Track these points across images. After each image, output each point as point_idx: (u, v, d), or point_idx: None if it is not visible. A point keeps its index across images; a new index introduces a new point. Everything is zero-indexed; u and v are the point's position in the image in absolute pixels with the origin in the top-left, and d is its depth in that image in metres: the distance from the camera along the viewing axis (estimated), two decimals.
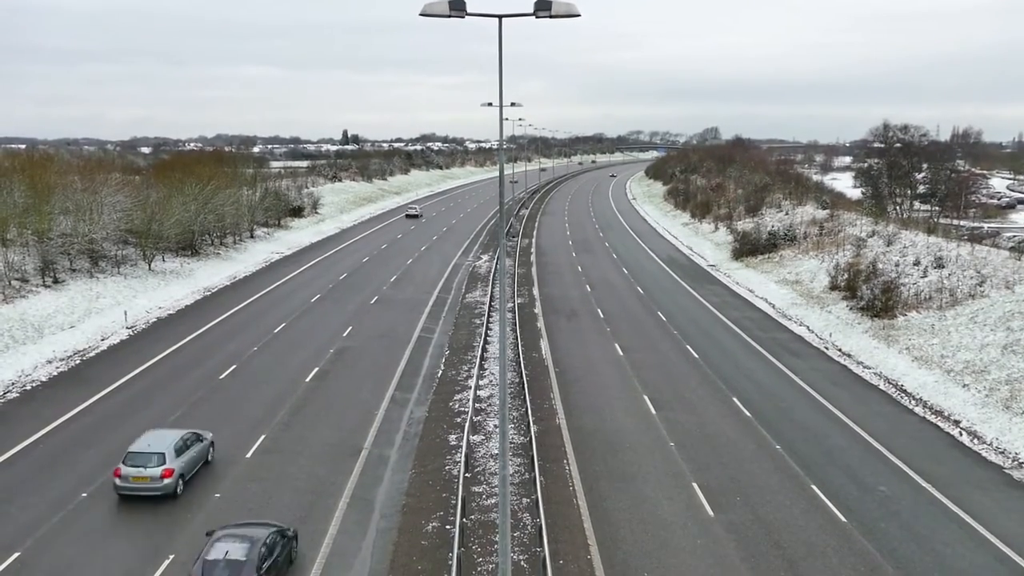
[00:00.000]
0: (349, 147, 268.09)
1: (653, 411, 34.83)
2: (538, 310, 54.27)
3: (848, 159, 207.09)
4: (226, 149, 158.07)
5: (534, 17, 18.18)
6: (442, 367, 40.85)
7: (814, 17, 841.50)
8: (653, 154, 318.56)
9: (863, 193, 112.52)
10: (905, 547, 23.89)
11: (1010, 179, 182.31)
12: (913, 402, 36.72)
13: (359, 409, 34.39)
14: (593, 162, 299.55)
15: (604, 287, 63.00)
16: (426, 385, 38.11)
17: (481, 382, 37.66)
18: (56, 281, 50.09)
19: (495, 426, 32.25)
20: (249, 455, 29.26)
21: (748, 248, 74.16)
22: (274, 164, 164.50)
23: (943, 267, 50.80)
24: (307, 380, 38.02)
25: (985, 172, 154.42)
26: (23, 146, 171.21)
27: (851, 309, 50.38)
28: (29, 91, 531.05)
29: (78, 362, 40.16)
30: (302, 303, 54.40)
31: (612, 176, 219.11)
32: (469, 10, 17.91)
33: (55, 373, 38.32)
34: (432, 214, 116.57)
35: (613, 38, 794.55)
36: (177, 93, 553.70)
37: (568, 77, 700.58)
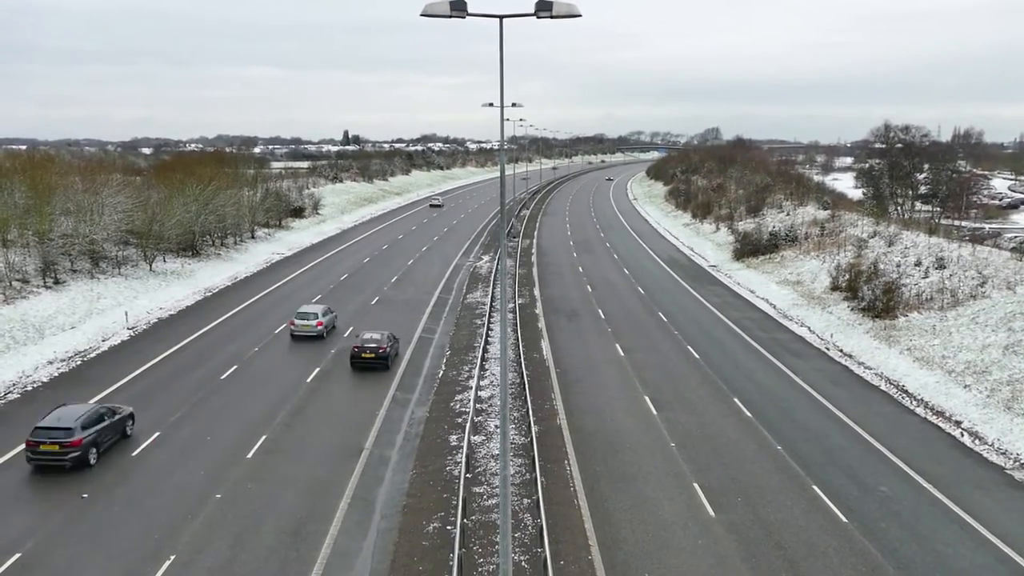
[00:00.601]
0: (350, 147, 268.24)
1: (654, 411, 34.82)
2: (539, 310, 54.27)
3: (849, 159, 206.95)
4: (227, 150, 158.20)
5: (535, 17, 18.18)
6: (443, 367, 40.87)
7: (814, 17, 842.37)
8: (654, 154, 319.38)
9: (864, 194, 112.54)
10: (906, 547, 23.88)
11: (1011, 179, 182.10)
12: (914, 403, 36.70)
13: (360, 410, 34.39)
14: (603, 162, 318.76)
15: (605, 287, 62.99)
16: (427, 385, 38.12)
17: (482, 383, 37.65)
18: (57, 282, 50.12)
19: (496, 426, 32.25)
20: (250, 455, 29.26)
21: (749, 248, 74.14)
22: (275, 165, 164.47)
23: (944, 268, 50.77)
24: (308, 381, 38.03)
25: (986, 172, 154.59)
26: (24, 147, 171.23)
27: (852, 310, 50.35)
28: (30, 92, 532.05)
29: (79, 363, 40.17)
30: (303, 304, 54.34)
31: (609, 180, 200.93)
32: (470, 10, 17.91)
33: (56, 374, 38.33)
34: (433, 214, 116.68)
35: (614, 38, 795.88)
36: (178, 93, 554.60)
37: (569, 77, 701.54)
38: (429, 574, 21.96)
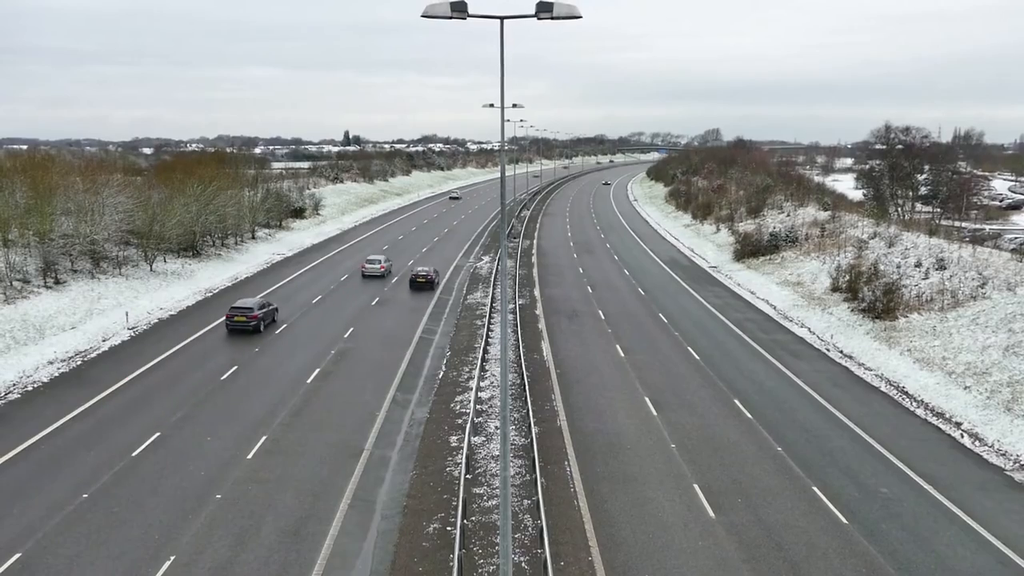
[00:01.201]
0: (351, 148, 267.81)
1: (654, 412, 34.82)
2: (539, 311, 54.27)
3: (850, 160, 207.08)
4: (228, 150, 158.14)
5: (536, 19, 18.18)
6: (443, 368, 40.87)
7: (815, 18, 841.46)
8: (654, 155, 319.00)
9: (865, 195, 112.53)
10: (906, 549, 23.88)
11: (1012, 180, 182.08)
12: (914, 404, 36.70)
13: (360, 410, 34.39)
14: (611, 161, 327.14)
15: (605, 288, 63.00)
16: (427, 386, 38.12)
17: (482, 383, 37.65)
18: (57, 282, 50.13)
19: (496, 427, 32.26)
20: (250, 456, 29.26)
21: (749, 249, 74.16)
22: (276, 165, 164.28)
23: (945, 269, 50.79)
24: (308, 381, 38.03)
25: (987, 173, 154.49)
26: (25, 147, 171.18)
27: (852, 311, 50.35)
28: (31, 92, 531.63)
29: (79, 363, 40.17)
30: (303, 304, 54.42)
31: (606, 184, 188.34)
32: (471, 11, 17.91)
33: (56, 374, 38.33)
34: (433, 215, 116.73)
35: (614, 39, 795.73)
36: (179, 94, 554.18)
37: (569, 78, 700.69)
38: (429, 575, 21.97)
